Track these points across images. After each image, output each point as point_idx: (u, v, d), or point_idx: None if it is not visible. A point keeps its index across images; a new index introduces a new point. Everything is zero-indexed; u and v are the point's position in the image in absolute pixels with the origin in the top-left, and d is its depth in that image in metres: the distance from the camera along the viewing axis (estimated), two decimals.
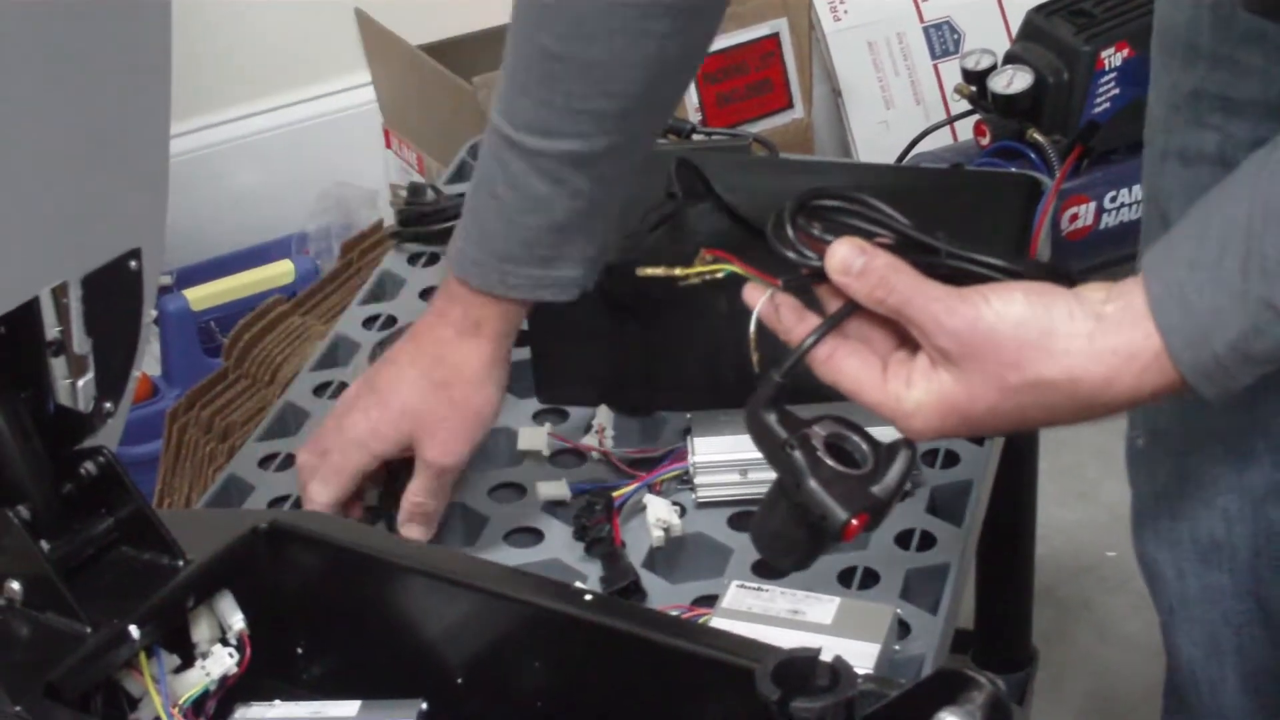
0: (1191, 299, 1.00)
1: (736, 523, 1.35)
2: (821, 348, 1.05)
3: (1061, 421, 1.05)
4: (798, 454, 1.03)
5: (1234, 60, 1.36)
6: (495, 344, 1.33)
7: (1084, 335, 1.02)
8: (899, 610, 1.23)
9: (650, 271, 1.13)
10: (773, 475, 1.32)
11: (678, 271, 1.11)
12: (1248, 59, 1.35)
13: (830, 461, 1.03)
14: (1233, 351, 1.00)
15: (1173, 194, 1.44)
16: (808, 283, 1.05)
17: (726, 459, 1.36)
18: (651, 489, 1.38)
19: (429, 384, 1.32)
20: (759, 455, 1.33)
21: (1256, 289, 0.98)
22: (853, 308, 1.04)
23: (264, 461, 1.45)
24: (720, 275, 1.10)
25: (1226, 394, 1.03)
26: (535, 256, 1.30)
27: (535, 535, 1.35)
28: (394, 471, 1.35)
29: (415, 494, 1.33)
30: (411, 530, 1.33)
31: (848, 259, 1.03)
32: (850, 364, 1.05)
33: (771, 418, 1.04)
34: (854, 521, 1.02)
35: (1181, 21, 1.42)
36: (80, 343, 1.09)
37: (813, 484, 1.02)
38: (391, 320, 1.60)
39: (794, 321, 1.07)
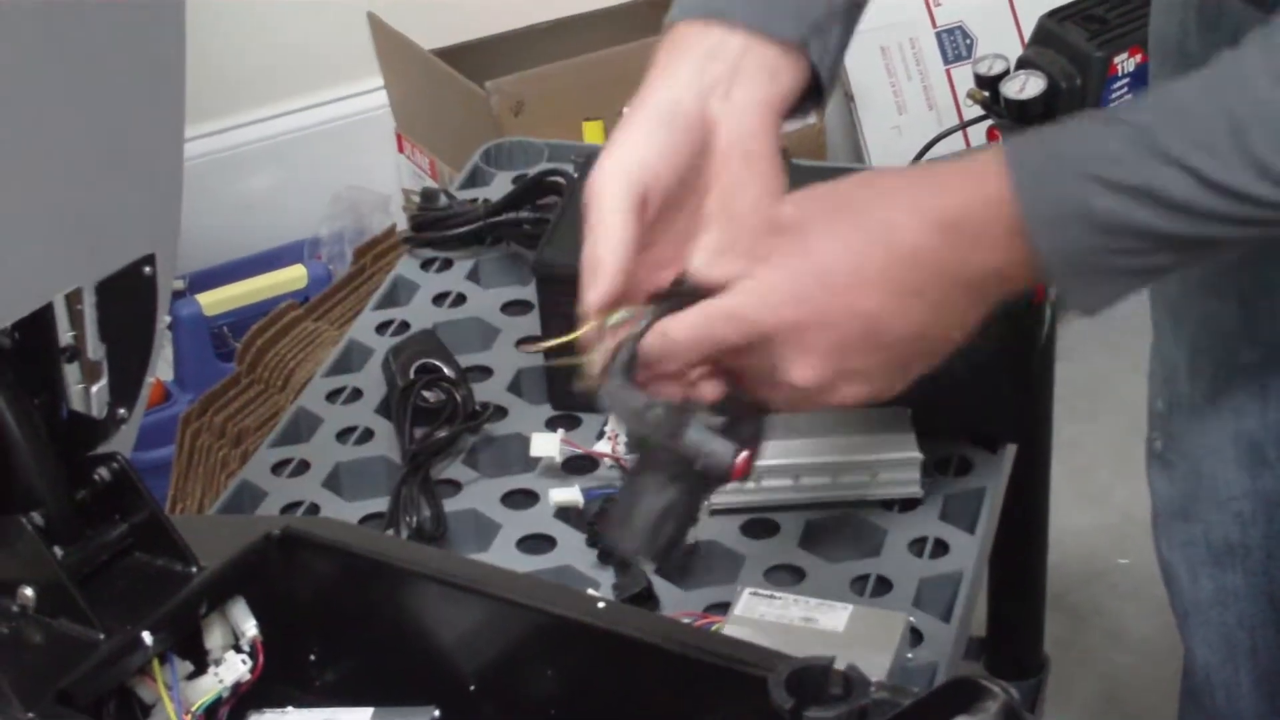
0: (1043, 149, 1.00)
1: (749, 530, 1.35)
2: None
3: (902, 236, 1.01)
4: (663, 410, 1.01)
5: None
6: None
7: (915, 171, 1.02)
8: (912, 618, 1.23)
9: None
10: (789, 480, 1.33)
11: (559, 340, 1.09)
12: None
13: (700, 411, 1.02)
14: (1074, 205, 0.99)
15: None
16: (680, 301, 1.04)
17: None
18: None
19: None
20: (774, 461, 1.33)
21: (1114, 144, 0.99)
22: (692, 291, 1.03)
23: (277, 467, 1.45)
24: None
25: (1059, 258, 1.01)
26: None
27: (548, 542, 1.35)
28: None
29: None
30: None
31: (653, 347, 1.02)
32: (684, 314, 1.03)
33: (627, 386, 1.02)
34: (742, 456, 1.01)
35: (1172, 27, 1.42)
36: (94, 349, 1.09)
37: (692, 431, 1.01)
38: (405, 326, 1.60)
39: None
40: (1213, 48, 1.37)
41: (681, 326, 1.02)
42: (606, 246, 1.04)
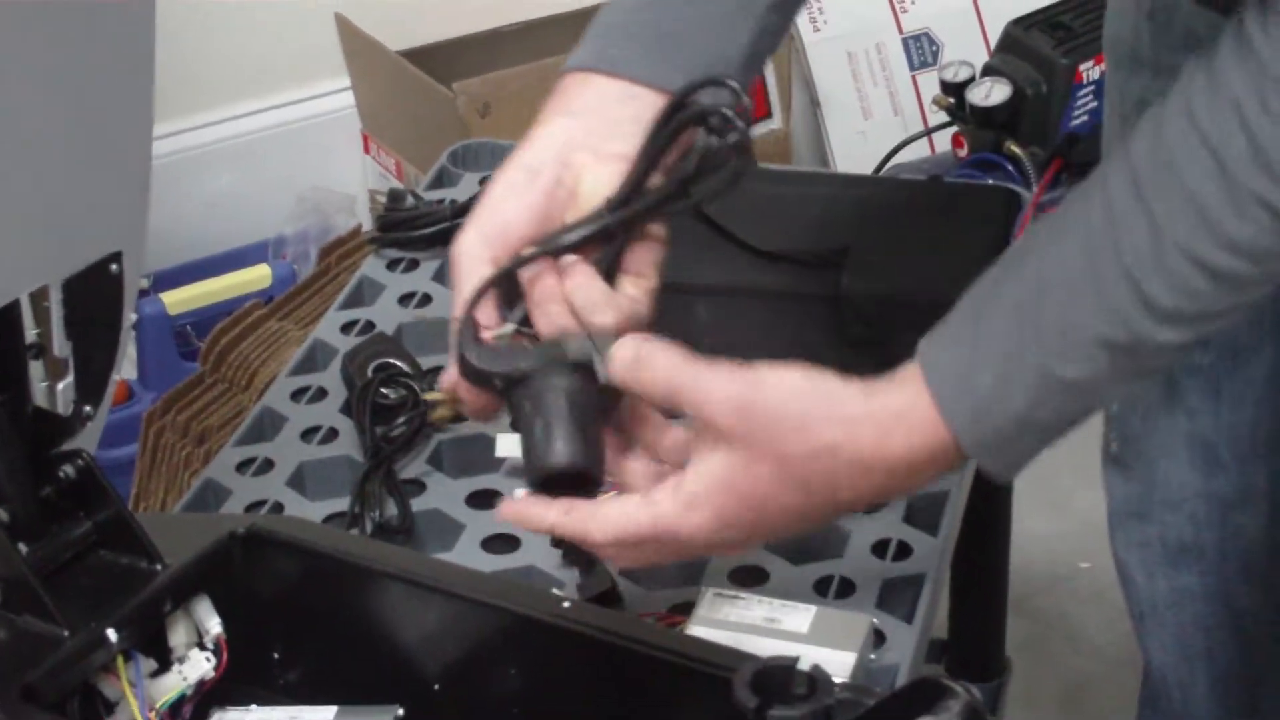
0: (968, 373, 1.01)
1: None
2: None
3: (846, 495, 1.04)
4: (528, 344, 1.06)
5: (1174, 68, 1.36)
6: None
7: (860, 396, 1.02)
8: (875, 619, 1.23)
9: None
10: None
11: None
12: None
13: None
14: (1014, 423, 1.00)
15: None
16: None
17: None
18: None
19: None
20: None
21: (1034, 357, 0.99)
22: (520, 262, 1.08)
23: (241, 466, 1.44)
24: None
25: (1011, 467, 1.03)
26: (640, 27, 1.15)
27: (512, 542, 1.35)
28: None
29: None
30: None
31: (625, 351, 1.04)
32: (616, 507, 1.05)
33: (480, 347, 1.07)
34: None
35: (1125, 31, 1.43)
36: (60, 346, 1.09)
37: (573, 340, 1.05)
38: (370, 326, 1.60)
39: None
40: (1165, 51, 1.39)
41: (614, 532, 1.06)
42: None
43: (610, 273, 1.10)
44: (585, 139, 1.11)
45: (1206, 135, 0.95)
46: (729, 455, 1.02)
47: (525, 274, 1.08)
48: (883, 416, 1.02)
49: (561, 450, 1.05)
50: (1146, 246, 0.97)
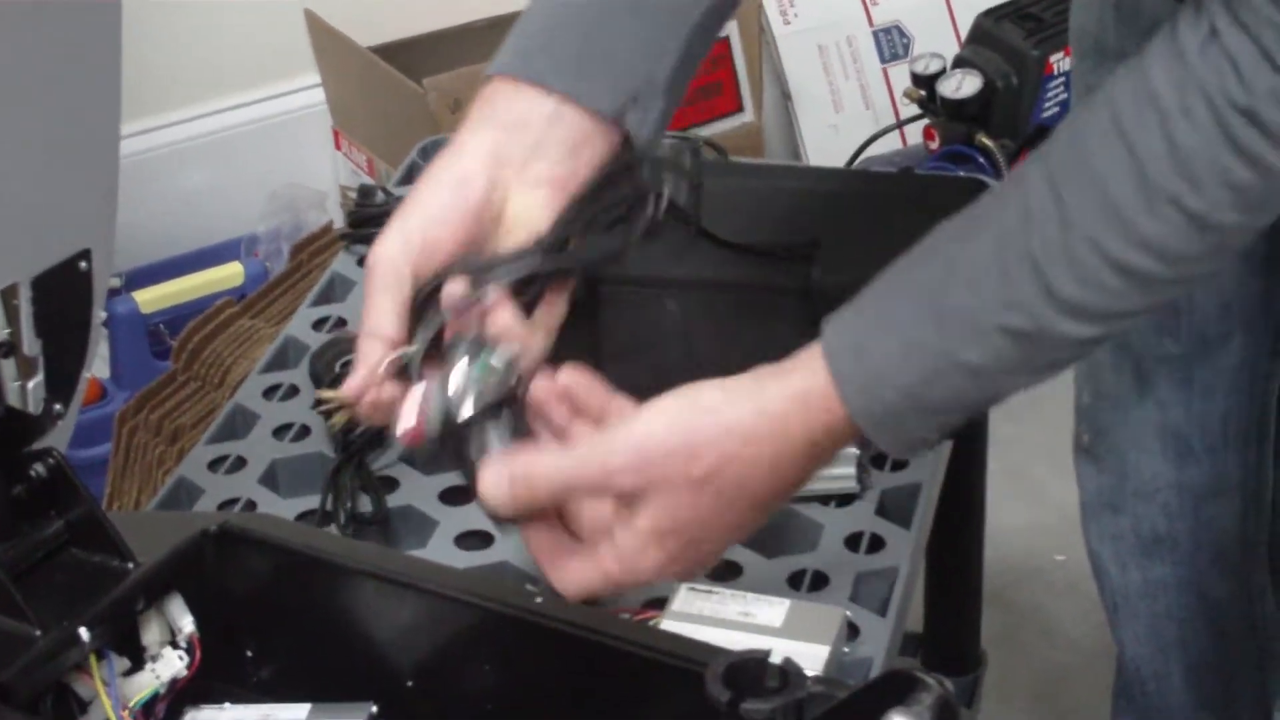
0: (865, 345, 1.02)
1: None
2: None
3: (761, 490, 1.05)
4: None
5: None
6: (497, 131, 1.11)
7: (750, 391, 1.03)
8: (848, 613, 1.23)
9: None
10: None
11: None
12: None
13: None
14: (905, 398, 1.01)
15: None
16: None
17: None
18: None
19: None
20: None
21: (934, 338, 1.00)
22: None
23: (213, 464, 1.44)
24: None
25: (905, 446, 1.04)
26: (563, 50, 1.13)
27: (486, 538, 1.35)
28: None
29: None
30: None
31: (495, 483, 1.04)
32: (574, 565, 1.06)
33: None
34: None
35: (1090, 22, 1.44)
36: (30, 344, 1.09)
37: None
38: (341, 322, 1.60)
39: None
40: (1131, 41, 1.39)
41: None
42: (369, 335, 1.08)
43: (530, 306, 1.10)
44: (512, 156, 1.10)
45: (1126, 134, 0.96)
46: (647, 508, 1.04)
47: (447, 298, 1.08)
48: (778, 405, 1.03)
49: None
50: (1056, 237, 0.97)
